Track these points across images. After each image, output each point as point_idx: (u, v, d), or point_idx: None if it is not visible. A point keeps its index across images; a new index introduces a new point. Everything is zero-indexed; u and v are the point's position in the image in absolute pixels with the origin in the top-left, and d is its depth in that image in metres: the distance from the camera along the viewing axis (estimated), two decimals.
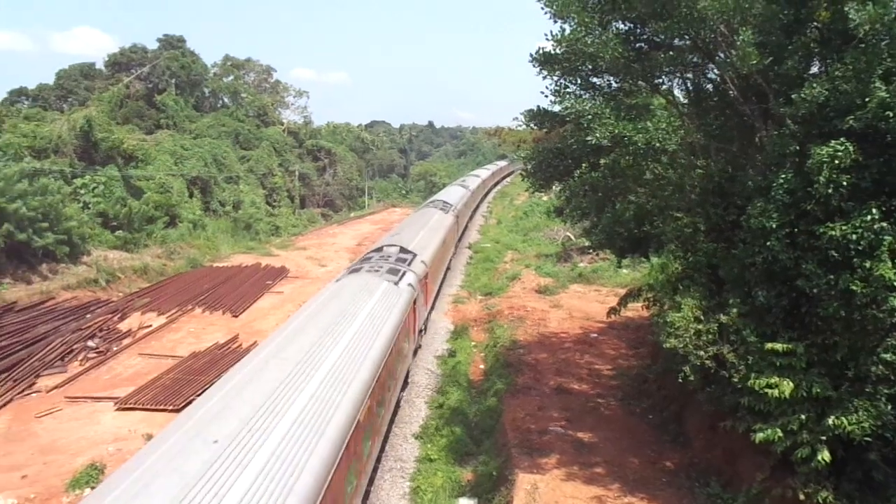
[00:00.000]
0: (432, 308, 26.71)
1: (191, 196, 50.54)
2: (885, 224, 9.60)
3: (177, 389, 19.42)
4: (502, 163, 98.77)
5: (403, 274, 19.48)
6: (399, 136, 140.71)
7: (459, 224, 43.71)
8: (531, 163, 16.22)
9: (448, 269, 35.25)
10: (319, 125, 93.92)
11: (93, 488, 13.52)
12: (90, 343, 23.89)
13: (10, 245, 28.50)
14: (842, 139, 9.83)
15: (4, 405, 18.53)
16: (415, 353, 21.28)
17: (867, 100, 9.74)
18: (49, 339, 23.34)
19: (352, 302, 15.14)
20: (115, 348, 23.83)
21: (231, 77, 78.49)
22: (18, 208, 28.61)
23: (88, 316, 26.72)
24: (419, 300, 20.48)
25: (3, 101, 54.75)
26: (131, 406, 18.50)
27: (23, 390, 19.56)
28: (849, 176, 9.82)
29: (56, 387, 20.05)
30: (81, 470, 14.74)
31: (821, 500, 10.23)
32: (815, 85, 10.42)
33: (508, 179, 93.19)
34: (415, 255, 22.41)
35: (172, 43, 68.77)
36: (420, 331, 22.07)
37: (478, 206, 63.64)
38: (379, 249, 23.21)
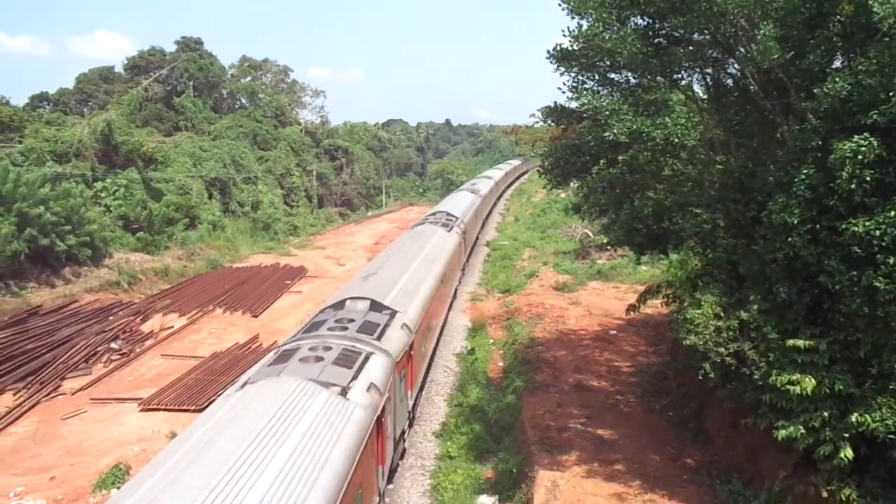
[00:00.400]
0: (422, 387, 19.07)
1: (210, 197, 51.03)
2: None
3: (199, 389, 19.66)
4: (516, 161, 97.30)
5: (364, 363, 12.08)
6: (416, 135, 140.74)
7: (467, 241, 35.44)
8: (548, 159, 16.19)
9: (453, 298, 28.76)
10: (336, 124, 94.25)
11: (118, 488, 13.74)
12: (113, 345, 24.24)
13: (33, 250, 28.95)
14: (865, 134, 9.70)
15: (32, 408, 18.86)
16: (390, 477, 14.14)
17: (891, 94, 9.60)
18: (73, 342, 23.73)
19: (245, 457, 7.88)
20: (137, 350, 24.17)
21: (248, 78, 79.04)
22: (42, 213, 29.05)
23: (111, 318, 27.10)
24: (394, 400, 13.39)
25: (24, 107, 55.55)
26: (154, 407, 18.75)
27: (49, 392, 19.90)
28: (872, 171, 9.69)
29: (81, 389, 20.38)
30: (107, 471, 14.98)
31: (844, 498, 10.15)
32: (837, 79, 10.29)
33: (525, 176, 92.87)
34: (393, 314, 15.41)
35: (190, 45, 69.34)
36: (397, 444, 14.62)
37: (490, 213, 56.79)
38: (339, 305, 15.62)
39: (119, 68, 68.34)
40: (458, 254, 29.97)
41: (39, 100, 61.34)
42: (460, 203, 39.96)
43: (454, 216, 33.82)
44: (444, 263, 24.24)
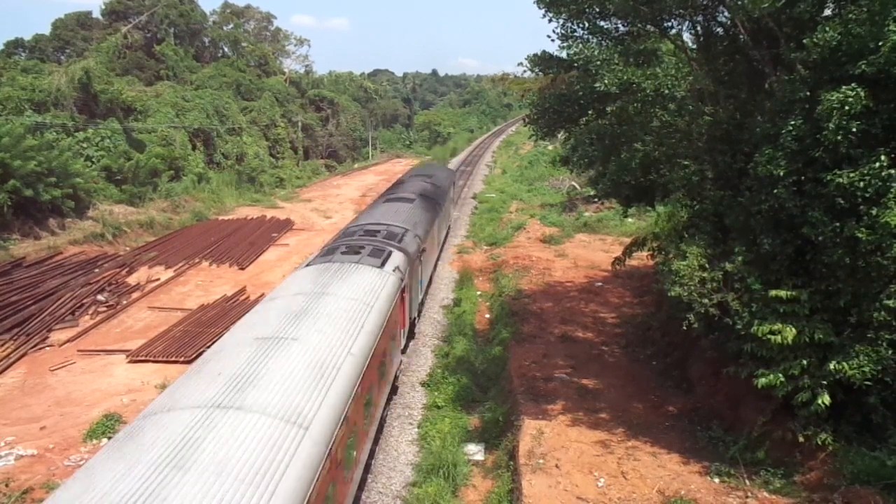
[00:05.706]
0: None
1: (193, 148, 50.16)
2: (892, 171, 9.53)
3: (187, 341, 19.71)
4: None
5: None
6: (402, 85, 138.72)
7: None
8: (535, 109, 16.02)
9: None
10: (321, 74, 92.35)
11: (109, 438, 13.89)
12: (100, 297, 24.15)
13: (16, 201, 28.49)
14: (853, 84, 9.66)
15: (19, 359, 18.87)
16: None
17: (881, 44, 9.52)
18: (59, 294, 23.60)
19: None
20: (124, 302, 24.11)
21: (231, 25, 76.86)
22: (23, 165, 28.44)
23: (97, 270, 26.94)
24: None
25: (0, 53, 53.95)
26: (143, 358, 18.81)
27: (36, 344, 19.88)
28: (859, 122, 9.69)
29: (68, 340, 20.37)
30: (97, 420, 15.07)
31: (820, 442, 10.48)
32: (827, 28, 10.20)
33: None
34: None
35: None
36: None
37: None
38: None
39: (97, 13, 66.29)
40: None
41: (14, 46, 59.50)
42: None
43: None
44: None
